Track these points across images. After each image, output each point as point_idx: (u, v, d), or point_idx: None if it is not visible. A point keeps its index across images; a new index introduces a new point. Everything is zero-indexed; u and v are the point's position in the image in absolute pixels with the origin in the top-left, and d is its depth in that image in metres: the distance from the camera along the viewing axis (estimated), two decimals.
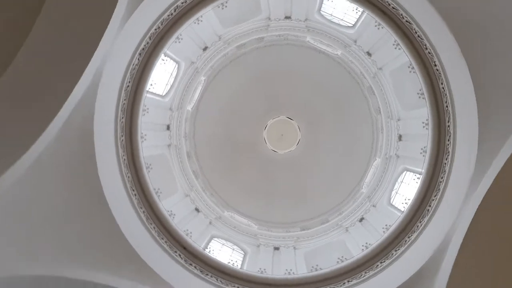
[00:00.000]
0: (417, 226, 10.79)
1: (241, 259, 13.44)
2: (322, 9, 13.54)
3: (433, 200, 10.70)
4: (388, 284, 10.18)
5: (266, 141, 16.56)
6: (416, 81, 11.36)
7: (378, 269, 10.90)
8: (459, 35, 8.67)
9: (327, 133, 16.47)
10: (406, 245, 10.70)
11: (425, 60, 10.54)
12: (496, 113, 8.74)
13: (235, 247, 14.02)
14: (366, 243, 11.91)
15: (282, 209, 16.04)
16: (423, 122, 11.75)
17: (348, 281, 11.04)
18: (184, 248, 11.51)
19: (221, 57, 14.91)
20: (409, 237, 10.79)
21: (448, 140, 10.33)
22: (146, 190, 11.23)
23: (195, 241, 11.97)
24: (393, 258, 10.75)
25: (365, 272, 10.99)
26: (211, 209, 14.99)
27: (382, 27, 11.83)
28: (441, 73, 10.07)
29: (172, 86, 14.19)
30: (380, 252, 11.15)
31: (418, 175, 12.50)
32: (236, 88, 16.29)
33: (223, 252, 13.37)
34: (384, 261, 10.88)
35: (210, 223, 14.45)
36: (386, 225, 12.03)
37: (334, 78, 15.92)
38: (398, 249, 10.81)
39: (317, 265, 12.01)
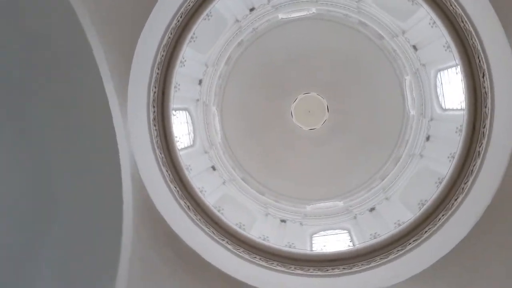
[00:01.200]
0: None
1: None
2: (441, 70, 12.81)
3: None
4: None
5: (294, 102, 16.35)
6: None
7: None
8: None
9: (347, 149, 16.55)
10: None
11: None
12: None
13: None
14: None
15: (250, 160, 16.41)
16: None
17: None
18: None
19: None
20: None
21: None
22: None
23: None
24: None
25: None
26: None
27: (459, 135, 11.55)
28: None
29: None
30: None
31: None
32: (313, 43, 15.63)
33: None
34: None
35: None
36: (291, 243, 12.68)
37: (388, 126, 15.70)
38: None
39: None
